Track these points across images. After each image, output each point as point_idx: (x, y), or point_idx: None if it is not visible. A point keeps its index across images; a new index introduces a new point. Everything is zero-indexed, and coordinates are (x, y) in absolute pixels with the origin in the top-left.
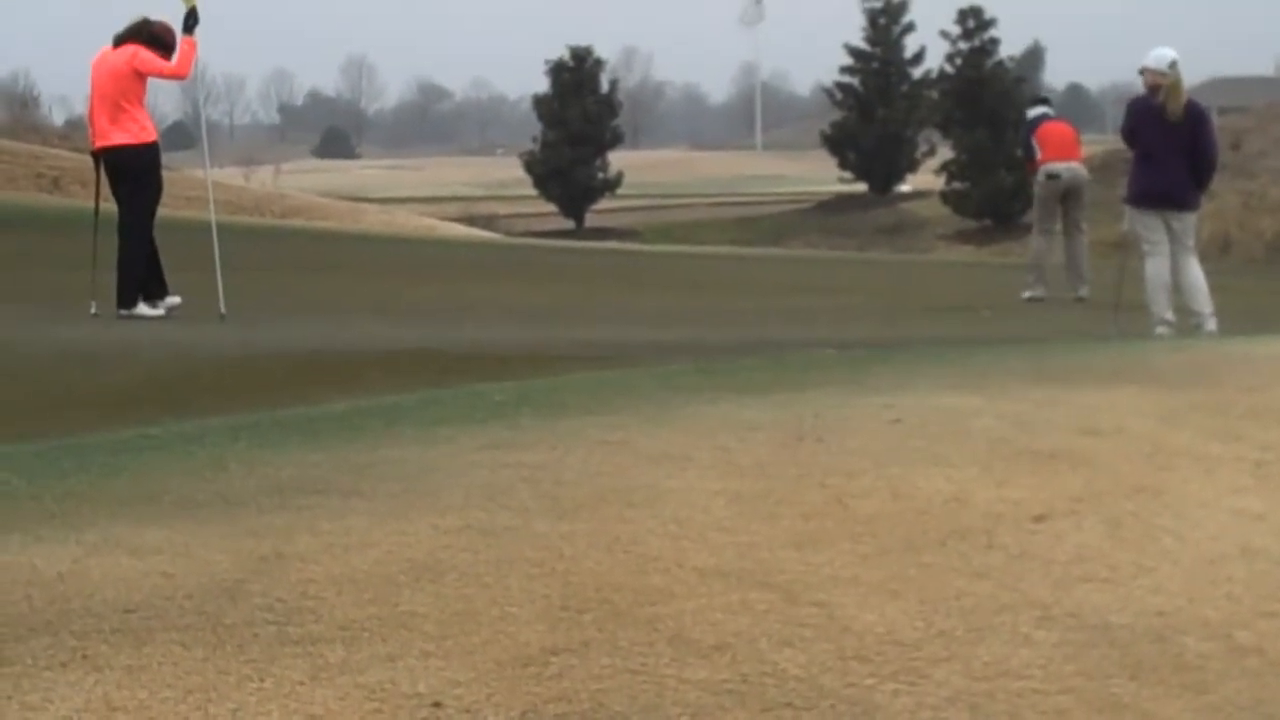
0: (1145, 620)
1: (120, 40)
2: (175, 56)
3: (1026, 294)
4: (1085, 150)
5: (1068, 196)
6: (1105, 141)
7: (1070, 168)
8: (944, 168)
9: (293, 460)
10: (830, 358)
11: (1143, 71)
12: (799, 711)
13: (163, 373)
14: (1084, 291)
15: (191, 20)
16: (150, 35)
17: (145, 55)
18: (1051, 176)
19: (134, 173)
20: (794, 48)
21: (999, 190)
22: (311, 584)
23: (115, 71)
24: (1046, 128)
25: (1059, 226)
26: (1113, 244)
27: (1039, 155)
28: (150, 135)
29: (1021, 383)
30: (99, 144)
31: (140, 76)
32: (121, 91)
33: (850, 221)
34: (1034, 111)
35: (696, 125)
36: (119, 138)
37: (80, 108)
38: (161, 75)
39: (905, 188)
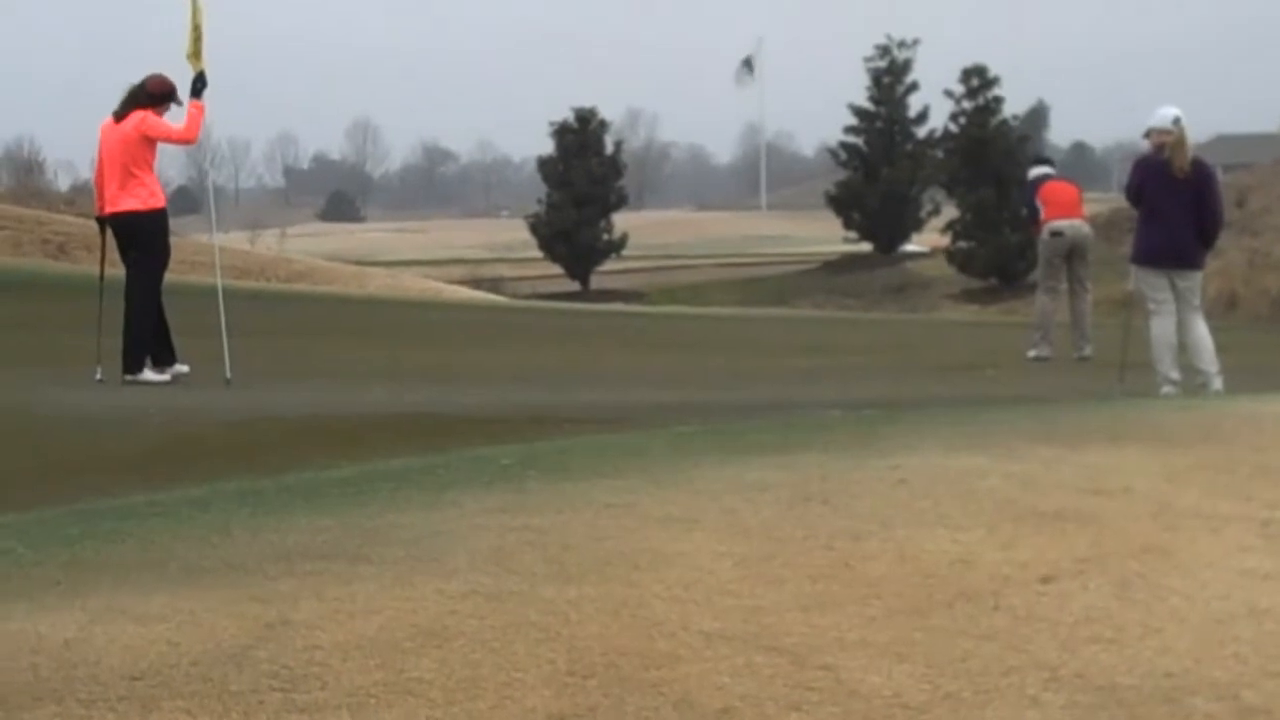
0: (1153, 681)
1: (122, 111)
2: (183, 121)
3: (1032, 353)
4: (1090, 209)
5: (1072, 255)
6: (1110, 200)
7: (1074, 225)
8: (949, 227)
9: (298, 526)
10: (836, 419)
11: (1148, 133)
12: None
13: (168, 438)
14: (1088, 351)
15: (199, 84)
16: (149, 96)
17: (153, 120)
18: (1056, 234)
19: (143, 238)
20: (798, 108)
21: (1004, 249)
22: (317, 650)
23: (125, 138)
24: (1050, 186)
25: (1064, 285)
26: (1118, 302)
27: (1043, 214)
28: (159, 201)
29: (1028, 443)
30: (109, 210)
31: (149, 142)
32: (131, 157)
33: (856, 281)
34: (1036, 171)
35: (701, 186)
36: (129, 203)
37: (85, 172)
38: (170, 140)
39: (910, 247)
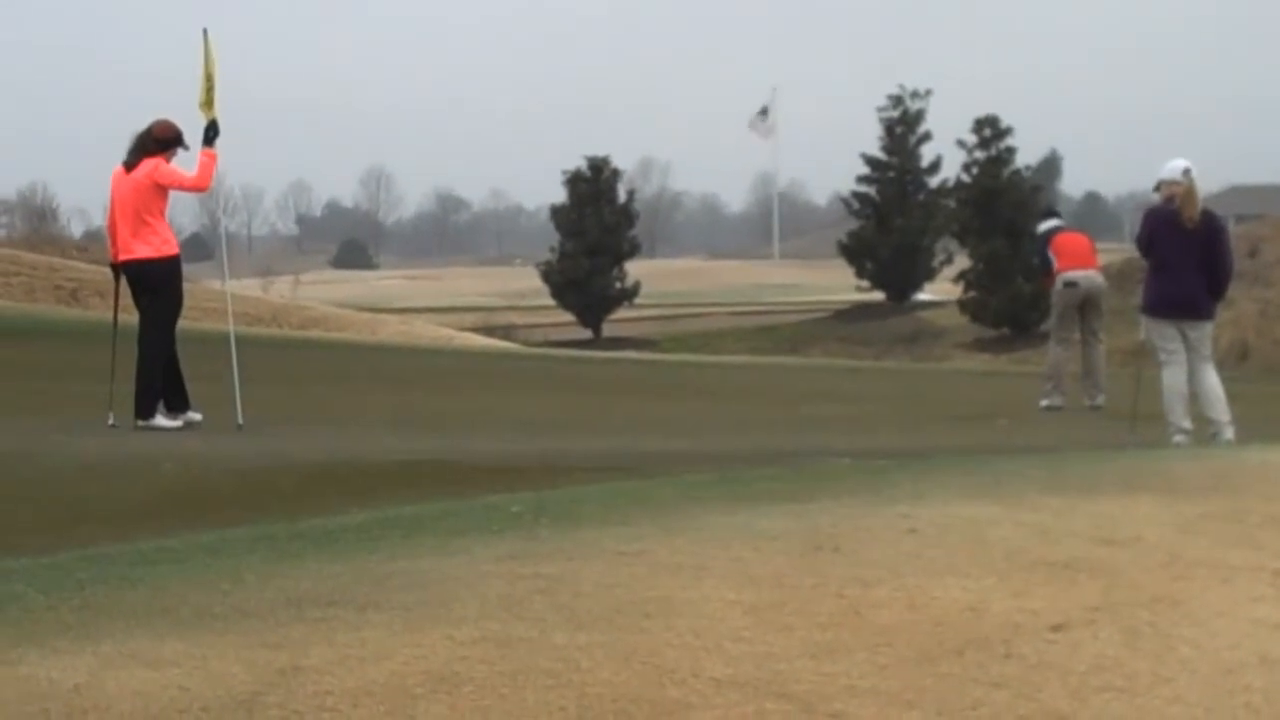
0: None
1: (132, 159)
2: (195, 168)
3: (1044, 403)
4: (1102, 259)
5: (1085, 305)
6: (1123, 250)
7: (1088, 276)
8: (961, 276)
9: (309, 572)
10: (847, 467)
11: (1158, 186)
12: None
13: (180, 484)
14: (1100, 400)
15: (212, 132)
16: (156, 142)
17: (166, 168)
18: (1069, 285)
19: (156, 285)
20: (811, 157)
21: (1016, 299)
22: (328, 696)
23: (138, 186)
24: (1063, 237)
25: (1076, 335)
26: (1130, 352)
27: (1056, 265)
28: (172, 248)
29: (1039, 492)
30: (122, 257)
31: (162, 189)
32: (144, 204)
33: (868, 330)
34: (1046, 224)
35: (714, 234)
36: (142, 251)
37: (98, 219)
38: (183, 188)
39: (922, 296)
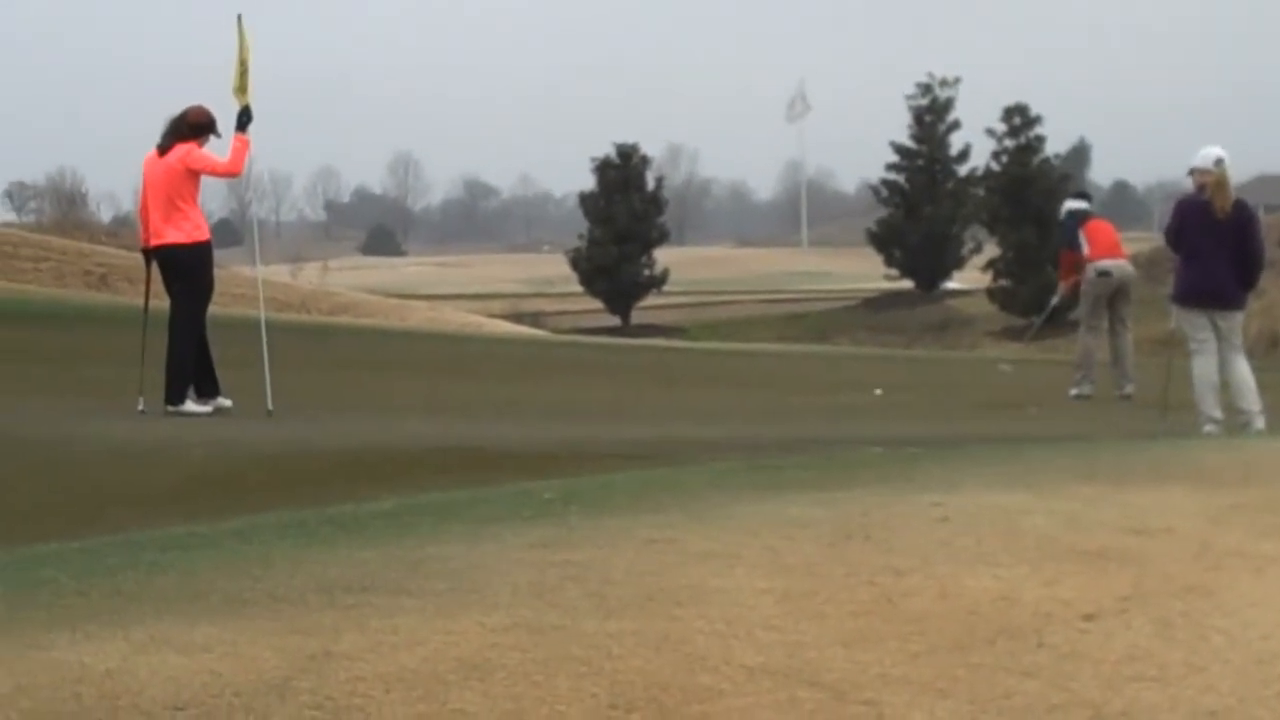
0: None
1: (166, 143)
2: (228, 154)
3: (1074, 391)
4: (1132, 248)
5: (1117, 294)
6: (1151, 239)
7: (1120, 265)
8: (990, 265)
9: (340, 558)
10: (878, 455)
11: (1191, 172)
12: None
13: (210, 470)
14: (1129, 389)
15: (245, 118)
16: (190, 127)
17: (199, 153)
18: (1103, 274)
19: (187, 271)
20: (840, 145)
21: (1046, 287)
22: (360, 682)
23: (170, 170)
24: (1095, 225)
25: (1105, 324)
26: (1159, 342)
27: (1088, 252)
28: (204, 234)
29: (1070, 481)
30: (153, 242)
31: (194, 175)
32: (176, 190)
33: (897, 318)
34: (1076, 205)
35: (742, 222)
36: (173, 236)
37: (127, 204)
38: (215, 173)
39: (951, 285)
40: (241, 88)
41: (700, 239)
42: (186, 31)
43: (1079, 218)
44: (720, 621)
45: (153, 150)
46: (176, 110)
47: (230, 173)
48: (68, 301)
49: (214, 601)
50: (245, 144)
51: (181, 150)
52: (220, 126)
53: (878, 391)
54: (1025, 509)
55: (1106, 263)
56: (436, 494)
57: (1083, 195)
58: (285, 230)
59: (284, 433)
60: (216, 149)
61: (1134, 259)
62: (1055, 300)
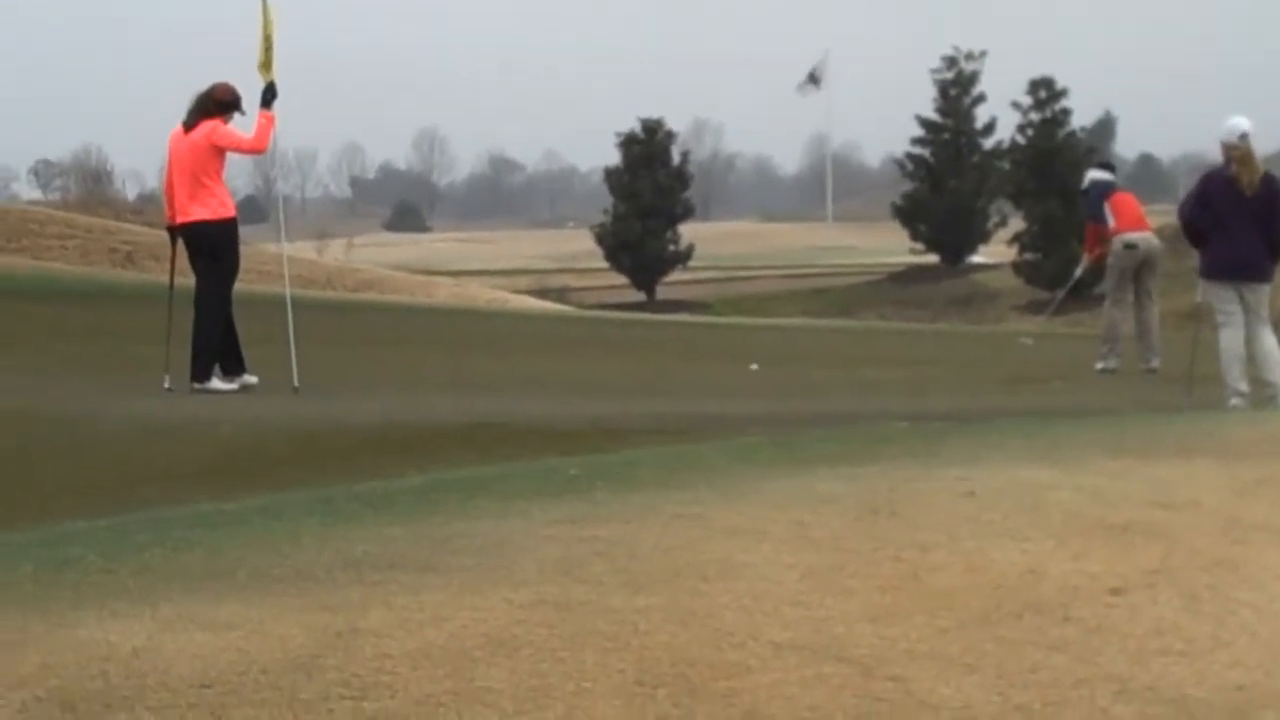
0: (1223, 694)
1: (191, 120)
2: (253, 130)
3: (1100, 365)
4: (1159, 220)
5: (1143, 267)
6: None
7: (1146, 238)
8: (1016, 239)
9: (367, 534)
10: (903, 430)
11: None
12: None
13: (237, 446)
14: (1155, 363)
15: (270, 94)
16: (216, 104)
17: (224, 130)
18: (1130, 247)
19: (213, 248)
20: (865, 119)
21: (1071, 261)
22: (387, 659)
23: (195, 147)
24: (1120, 198)
25: (1131, 297)
26: (1185, 315)
27: (1114, 225)
28: (230, 211)
29: (1096, 455)
30: (179, 220)
31: (219, 151)
32: (201, 167)
33: (922, 292)
34: (1100, 175)
35: (767, 197)
36: (199, 213)
37: (153, 181)
38: (240, 150)
39: (977, 259)
40: (266, 64)
41: (725, 214)
42: (212, 8)
43: (1103, 189)
44: (747, 597)
45: (178, 126)
46: (202, 87)
47: (255, 149)
48: (93, 279)
49: (241, 579)
50: (270, 120)
51: (207, 127)
52: (245, 103)
53: (754, 366)
54: (1051, 483)
55: (1133, 235)
56: (463, 470)
57: (1106, 166)
58: (310, 207)
59: (310, 409)
60: (241, 126)
61: (1159, 232)
62: (1079, 272)
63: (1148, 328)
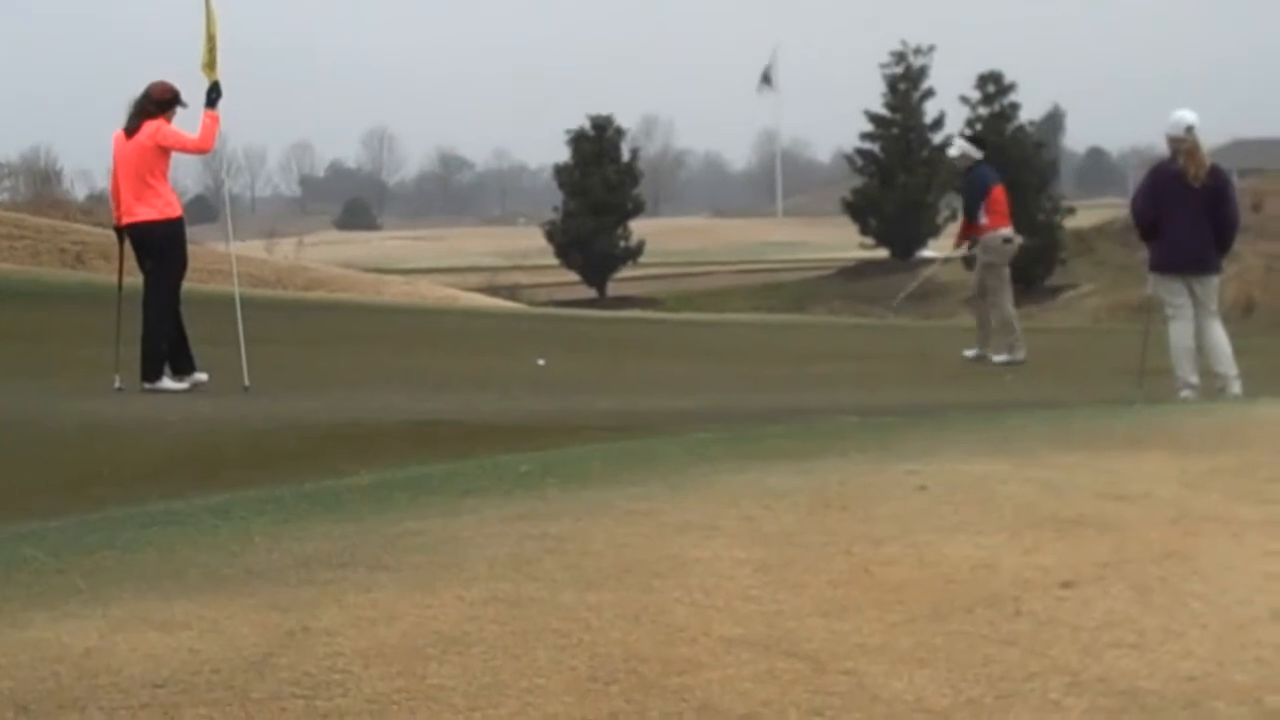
0: (1175, 686)
1: (133, 124)
2: (198, 130)
3: (1007, 357)
4: (1107, 214)
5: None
6: (1127, 205)
7: (1014, 234)
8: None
9: (318, 533)
10: (855, 425)
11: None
12: None
13: (187, 446)
14: (976, 354)
15: (214, 94)
16: (155, 103)
17: (168, 130)
18: (1008, 241)
19: (160, 247)
20: (814, 114)
21: (1022, 254)
22: (339, 657)
23: (140, 148)
24: (998, 193)
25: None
26: (1135, 308)
27: (986, 221)
28: (175, 210)
29: (1047, 448)
30: (125, 220)
31: (164, 152)
32: (147, 167)
33: (873, 287)
34: (972, 151)
35: (717, 193)
36: (145, 213)
37: (102, 182)
38: (185, 149)
39: (927, 253)
40: (210, 64)
41: (676, 210)
42: (156, 6)
43: (984, 187)
44: (699, 592)
45: (119, 131)
46: (138, 91)
47: (200, 149)
48: (43, 280)
49: (193, 578)
50: (215, 120)
51: (151, 127)
52: (190, 102)
53: (540, 361)
54: (1003, 477)
55: (1009, 231)
56: (413, 468)
57: (978, 141)
58: (260, 206)
59: (261, 408)
60: (186, 123)
61: (1111, 224)
62: (939, 264)
63: (986, 321)
